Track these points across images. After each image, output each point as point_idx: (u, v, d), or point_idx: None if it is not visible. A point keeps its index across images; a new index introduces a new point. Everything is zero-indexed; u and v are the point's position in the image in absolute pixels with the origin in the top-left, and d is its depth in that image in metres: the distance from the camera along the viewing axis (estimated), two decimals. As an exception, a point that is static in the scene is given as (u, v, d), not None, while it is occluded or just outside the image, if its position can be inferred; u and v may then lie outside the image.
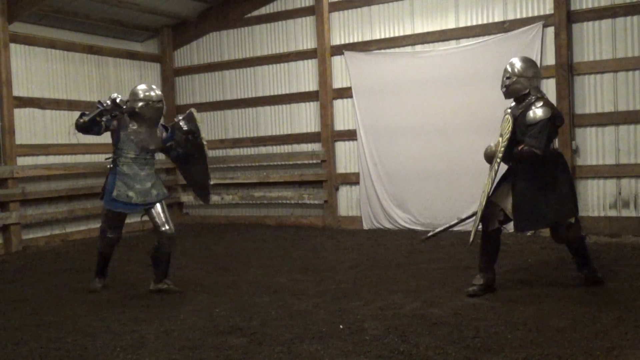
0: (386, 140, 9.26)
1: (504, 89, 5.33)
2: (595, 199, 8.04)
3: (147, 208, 5.67)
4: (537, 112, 5.05)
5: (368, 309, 4.83)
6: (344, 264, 6.78)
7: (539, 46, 8.16)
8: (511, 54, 8.15)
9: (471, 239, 5.22)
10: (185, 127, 5.73)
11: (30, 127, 8.91)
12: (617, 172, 7.90)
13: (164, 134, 5.82)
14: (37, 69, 9.11)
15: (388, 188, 9.28)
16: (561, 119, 5.31)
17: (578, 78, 8.09)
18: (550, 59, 8.16)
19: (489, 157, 5.22)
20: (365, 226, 9.46)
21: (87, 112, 5.33)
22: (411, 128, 9.01)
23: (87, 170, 9.48)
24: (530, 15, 8.31)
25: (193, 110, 5.95)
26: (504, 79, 5.32)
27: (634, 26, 7.73)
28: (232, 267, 6.76)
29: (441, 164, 8.77)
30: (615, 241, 7.44)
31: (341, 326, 4.39)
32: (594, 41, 7.98)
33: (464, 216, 5.90)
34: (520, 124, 5.04)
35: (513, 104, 5.38)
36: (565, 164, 5.30)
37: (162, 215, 5.70)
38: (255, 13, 10.38)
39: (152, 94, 5.66)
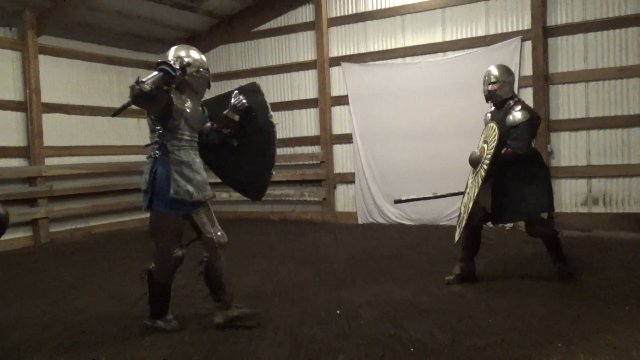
0: (379, 143, 9.24)
1: (488, 94, 5.26)
2: (568, 196, 8.03)
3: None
4: (516, 115, 5.01)
5: (363, 297, 4.81)
6: (341, 256, 6.76)
7: (518, 58, 8.14)
8: (493, 65, 8.21)
9: (456, 238, 5.18)
10: (242, 102, 4.08)
11: (56, 130, 8.87)
12: (588, 172, 7.88)
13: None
14: (62, 78, 9.07)
15: (381, 186, 9.26)
16: (539, 119, 5.27)
17: (553, 87, 8.07)
18: (527, 70, 8.13)
19: (474, 161, 5.13)
20: (360, 221, 9.44)
21: (143, 79, 3.43)
22: (402, 132, 8.99)
23: (108, 170, 9.45)
24: (510, 30, 8.29)
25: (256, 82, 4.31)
26: (488, 84, 5.25)
27: (603, 40, 7.71)
28: (239, 258, 6.73)
29: (429, 165, 8.75)
30: (586, 235, 7.42)
31: (338, 312, 4.38)
32: (568, 54, 7.96)
33: (439, 193, 5.83)
34: (501, 127, 5.00)
35: (493, 108, 5.34)
36: (542, 162, 5.26)
37: (213, 217, 4.09)
38: (261, 27, 10.35)
39: (204, 59, 4.02)
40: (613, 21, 7.62)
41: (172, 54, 3.89)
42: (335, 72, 9.71)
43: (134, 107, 3.47)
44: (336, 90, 9.73)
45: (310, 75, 9.94)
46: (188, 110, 3.84)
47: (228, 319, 3.93)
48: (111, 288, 5.49)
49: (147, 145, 3.92)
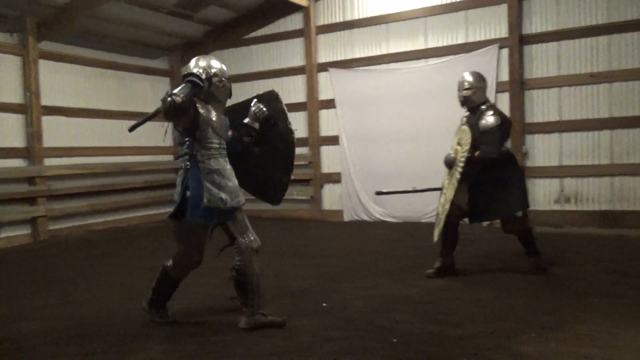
0: (364, 145, 9.29)
1: (463, 99, 5.25)
2: (541, 195, 8.15)
3: None
4: (488, 119, 5.02)
5: (354, 290, 4.84)
6: (330, 251, 6.79)
7: (495, 65, 8.24)
8: (472, 70, 8.30)
9: (435, 238, 5.19)
10: (263, 111, 4.01)
11: (56, 132, 8.78)
12: (560, 172, 8.01)
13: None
14: (62, 82, 8.98)
15: (365, 185, 9.31)
16: (509, 123, 5.29)
17: (528, 92, 8.19)
18: (504, 76, 8.24)
19: (449, 163, 5.12)
20: (346, 218, 9.49)
21: (175, 91, 3.39)
22: (386, 134, 9.05)
23: (105, 170, 9.39)
24: (488, 38, 8.39)
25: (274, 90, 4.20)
26: (462, 90, 5.24)
27: (576, 47, 7.84)
28: (233, 255, 6.72)
29: (411, 165, 8.80)
30: (559, 231, 7.55)
31: (324, 304, 4.39)
32: (542, 60, 8.08)
33: (418, 188, 5.87)
34: (474, 131, 5.03)
35: (467, 113, 5.37)
36: (516, 163, 5.29)
37: (246, 221, 3.93)
38: (252, 35, 10.34)
39: (224, 68, 3.88)
40: (584, 30, 7.75)
41: (195, 64, 3.74)
42: (323, 77, 9.74)
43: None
44: (324, 95, 9.76)
45: (300, 80, 9.96)
46: (214, 119, 3.74)
47: (253, 325, 3.74)
48: (111, 282, 5.47)
49: (177, 157, 3.83)
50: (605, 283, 4.77)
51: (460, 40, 8.61)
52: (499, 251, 6.31)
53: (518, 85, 8.11)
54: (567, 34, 7.86)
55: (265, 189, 4.34)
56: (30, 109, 8.32)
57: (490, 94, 8.21)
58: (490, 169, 5.01)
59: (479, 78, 5.26)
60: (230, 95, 3.93)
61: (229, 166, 3.81)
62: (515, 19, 8.09)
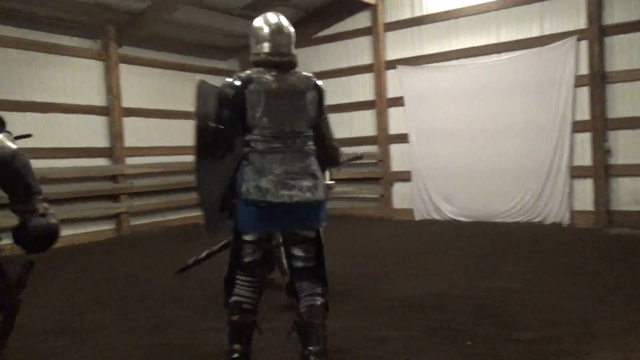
0: (434, 143, 9.12)
1: None
2: (625, 194, 7.68)
3: None
4: None
5: (416, 290, 4.78)
6: (397, 250, 6.74)
7: (574, 57, 7.84)
8: (547, 65, 7.97)
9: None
10: None
11: (135, 132, 9.26)
12: (646, 170, 7.52)
13: None
14: (140, 84, 9.45)
15: (436, 184, 9.15)
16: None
17: (610, 86, 7.73)
18: (584, 69, 7.83)
19: None
20: (417, 217, 9.36)
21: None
22: (456, 132, 8.84)
23: (181, 169, 9.76)
24: (565, 30, 8.00)
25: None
26: None
27: (663, 38, 7.33)
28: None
29: (482, 164, 8.58)
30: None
31: (395, 303, 4.37)
32: (625, 52, 7.60)
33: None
34: None
35: None
36: None
37: None
38: (320, 34, 10.42)
39: None
40: (673, 18, 7.22)
41: None
42: (391, 75, 9.65)
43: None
44: (392, 92, 9.67)
45: (368, 79, 9.92)
46: None
47: None
48: (185, 275, 5.67)
49: None
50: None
51: (535, 33, 8.26)
52: (563, 253, 6.01)
53: (598, 79, 7.69)
54: (654, 23, 7.35)
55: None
56: (112, 111, 8.81)
57: (569, 88, 7.86)
58: None
59: None
60: None
61: None
62: (595, 9, 7.66)
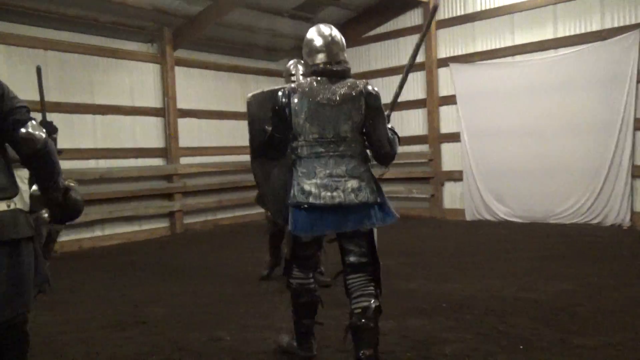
0: (487, 141, 8.91)
1: None
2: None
3: None
4: None
5: (468, 291, 4.69)
6: (447, 250, 6.63)
7: (637, 52, 7.48)
8: (608, 60, 7.64)
9: None
10: None
11: (189, 133, 9.49)
12: None
13: None
14: (194, 86, 9.68)
15: (489, 184, 8.94)
16: None
17: (677, 81, 7.34)
18: (647, 64, 7.47)
19: None
20: (468, 217, 9.17)
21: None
22: (510, 130, 8.60)
23: (233, 168, 9.94)
24: (627, 23, 7.64)
25: None
26: None
27: None
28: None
29: (537, 163, 8.31)
30: None
31: (443, 305, 4.30)
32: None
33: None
34: None
35: None
36: None
37: None
38: (371, 33, 10.37)
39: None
40: None
41: None
42: (443, 72, 9.50)
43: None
44: (444, 91, 9.52)
45: (419, 77, 9.79)
46: None
47: None
48: (236, 273, 5.79)
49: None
50: None
51: (595, 27, 7.93)
52: (633, 255, 5.74)
53: (663, 74, 7.30)
54: None
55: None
56: (167, 112, 9.07)
57: (631, 84, 7.52)
58: None
59: None
60: None
61: None
62: (661, 1, 7.29)
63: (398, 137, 3.21)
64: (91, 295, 5.12)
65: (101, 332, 3.99)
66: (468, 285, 4.90)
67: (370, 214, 2.97)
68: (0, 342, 2.13)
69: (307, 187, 2.91)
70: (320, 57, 3.03)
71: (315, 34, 3.11)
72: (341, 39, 3.10)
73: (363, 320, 2.90)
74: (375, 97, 3.02)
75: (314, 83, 2.99)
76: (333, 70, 3.01)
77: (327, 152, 2.94)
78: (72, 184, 2.37)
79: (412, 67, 3.35)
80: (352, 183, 2.92)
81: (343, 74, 3.04)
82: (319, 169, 2.93)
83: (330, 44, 3.04)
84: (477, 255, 6.27)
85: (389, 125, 3.14)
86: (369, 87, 3.02)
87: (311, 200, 2.89)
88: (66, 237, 7.66)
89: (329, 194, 2.89)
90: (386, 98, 3.10)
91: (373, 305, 2.94)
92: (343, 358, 3.29)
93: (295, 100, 2.95)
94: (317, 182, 2.91)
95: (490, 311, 4.09)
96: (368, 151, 3.12)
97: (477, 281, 5.02)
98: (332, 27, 3.15)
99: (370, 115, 2.99)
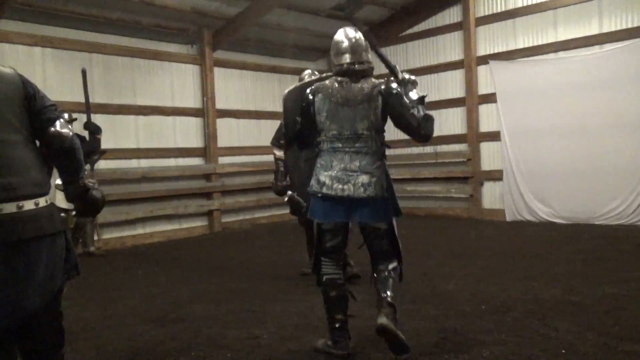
0: (528, 141, 8.71)
1: None
2: None
3: None
4: None
5: (508, 293, 4.59)
6: (486, 251, 6.51)
7: (687, 47, 7.19)
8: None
9: None
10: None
11: (227, 133, 9.62)
12: None
13: None
14: (232, 86, 9.81)
15: (530, 184, 8.73)
16: None
17: None
18: (699, 59, 7.15)
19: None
20: (508, 218, 8.99)
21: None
22: (552, 129, 8.38)
23: (271, 168, 9.96)
24: (678, 17, 7.35)
25: None
26: None
27: None
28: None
29: (581, 162, 8.08)
30: None
31: (483, 306, 4.23)
32: None
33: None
34: None
35: None
36: None
37: None
38: (409, 31, 10.29)
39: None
40: None
41: None
42: (482, 70, 9.34)
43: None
44: (483, 89, 9.35)
45: (458, 75, 9.67)
46: None
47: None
48: (273, 272, 5.84)
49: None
50: None
51: (643, 21, 7.65)
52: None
53: None
54: None
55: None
56: (207, 112, 9.21)
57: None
58: None
59: None
60: None
61: None
62: None
63: (431, 118, 3.28)
64: (133, 292, 5.25)
65: (142, 328, 4.08)
66: (508, 287, 4.80)
67: (378, 208, 3.21)
68: (35, 333, 2.18)
69: (322, 178, 3.21)
70: (346, 58, 3.26)
71: (343, 36, 3.33)
72: (363, 40, 3.30)
73: (386, 274, 3.24)
74: (396, 95, 3.17)
75: (335, 84, 3.25)
76: (356, 69, 3.25)
77: (344, 148, 3.21)
78: (92, 182, 2.45)
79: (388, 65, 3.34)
80: (363, 178, 3.16)
81: (365, 73, 3.27)
82: (335, 162, 3.21)
83: (355, 46, 3.27)
84: (518, 256, 6.14)
85: (422, 94, 3.25)
86: (390, 86, 3.19)
87: (324, 190, 3.19)
88: (109, 234, 7.89)
89: (340, 186, 3.17)
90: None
91: (394, 267, 3.28)
92: (379, 358, 3.28)
93: (318, 100, 3.25)
94: (332, 175, 3.19)
95: (531, 314, 3.99)
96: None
97: (517, 283, 4.92)
98: (357, 29, 3.36)
99: (394, 109, 3.18)
